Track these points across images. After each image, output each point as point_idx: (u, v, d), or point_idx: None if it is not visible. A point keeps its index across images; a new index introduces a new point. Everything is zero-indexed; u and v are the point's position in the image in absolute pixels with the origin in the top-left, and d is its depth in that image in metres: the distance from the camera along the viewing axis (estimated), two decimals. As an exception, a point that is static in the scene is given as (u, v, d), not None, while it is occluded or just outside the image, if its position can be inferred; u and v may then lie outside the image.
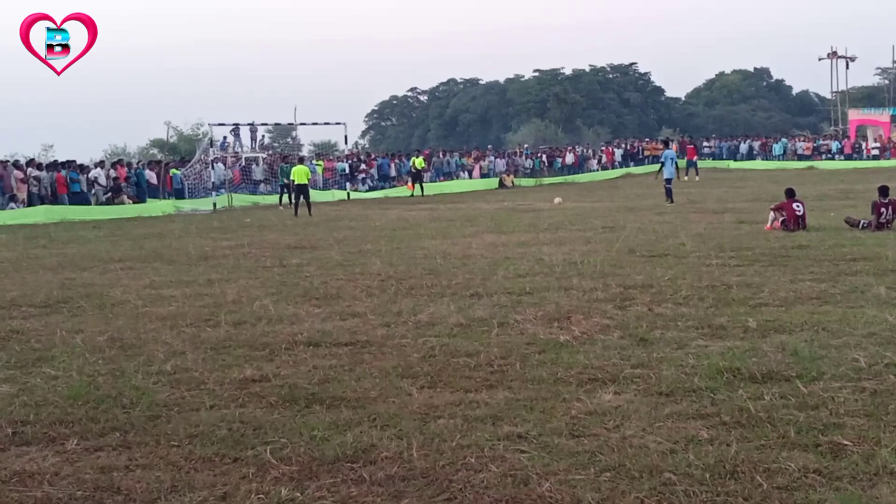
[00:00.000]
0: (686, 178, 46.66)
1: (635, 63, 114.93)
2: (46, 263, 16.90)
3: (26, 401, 7.13)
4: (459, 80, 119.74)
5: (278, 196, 37.28)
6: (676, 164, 31.07)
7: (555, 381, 7.25)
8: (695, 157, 51.65)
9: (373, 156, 55.27)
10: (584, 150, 63.82)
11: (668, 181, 29.75)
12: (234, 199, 38.56)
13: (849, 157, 61.93)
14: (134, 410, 6.80)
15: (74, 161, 36.29)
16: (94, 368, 8.16)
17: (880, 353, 7.65)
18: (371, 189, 46.22)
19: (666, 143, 37.08)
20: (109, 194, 35.08)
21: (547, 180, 52.37)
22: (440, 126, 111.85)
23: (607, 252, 15.54)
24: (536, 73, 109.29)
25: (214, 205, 36.00)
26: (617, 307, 10.35)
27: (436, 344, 8.69)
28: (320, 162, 47.16)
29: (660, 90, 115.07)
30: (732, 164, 61.95)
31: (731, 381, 7.00)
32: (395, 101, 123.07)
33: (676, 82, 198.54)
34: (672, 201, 28.60)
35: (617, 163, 62.39)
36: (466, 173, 53.10)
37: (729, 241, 16.78)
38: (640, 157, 65.02)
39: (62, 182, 33.50)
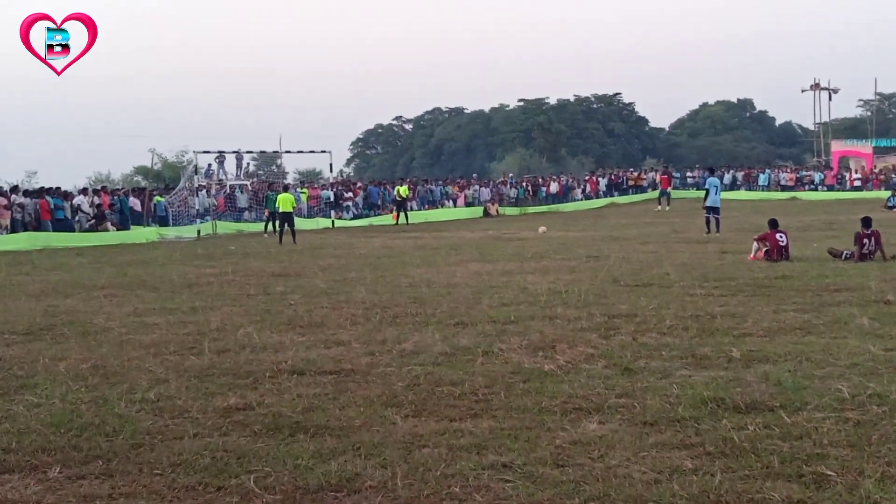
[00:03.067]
0: (659, 208, 46.87)
1: (619, 93, 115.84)
2: (29, 290, 16.82)
3: (8, 428, 7.08)
4: (444, 109, 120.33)
5: (263, 224, 37.26)
6: (716, 192, 28.76)
7: (539, 411, 7.24)
8: (668, 187, 51.67)
9: (358, 184, 55.32)
10: (569, 180, 64.03)
11: (709, 210, 28.08)
12: (219, 226, 38.49)
13: (831, 188, 62.31)
14: (117, 438, 6.76)
15: (59, 188, 36.20)
16: (76, 396, 8.11)
17: (863, 384, 7.67)
18: (356, 217, 46.26)
19: (711, 171, 34.97)
20: (93, 221, 34.97)
21: (531, 209, 52.53)
22: (425, 155, 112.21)
23: (592, 281, 15.56)
24: (521, 103, 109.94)
25: (198, 232, 35.92)
26: (601, 336, 10.36)
27: (420, 373, 8.68)
28: (305, 190, 47.22)
29: (644, 120, 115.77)
30: (716, 195, 62.06)
31: (715, 411, 7.01)
32: (380, 130, 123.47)
33: (660, 113, 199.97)
34: (709, 231, 27.37)
35: (601, 192, 62.58)
36: (451, 202, 53.21)
37: (713, 271, 16.85)
38: (625, 186, 65.32)
39: (46, 209, 33.38)
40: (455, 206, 52.52)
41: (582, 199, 59.70)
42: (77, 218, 35.16)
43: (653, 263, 18.53)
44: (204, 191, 41.89)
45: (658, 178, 64.52)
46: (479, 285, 15.67)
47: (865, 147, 68.72)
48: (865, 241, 18.04)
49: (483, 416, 7.19)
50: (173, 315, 13.09)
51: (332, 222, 41.63)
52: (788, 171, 68.54)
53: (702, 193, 60.55)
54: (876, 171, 64.10)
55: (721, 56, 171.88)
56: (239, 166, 51.71)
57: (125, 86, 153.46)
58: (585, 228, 34.13)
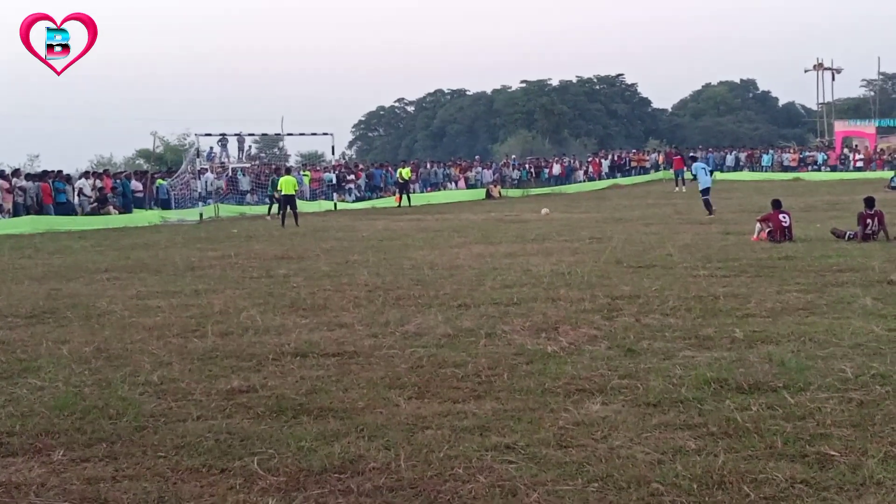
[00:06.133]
0: (677, 189, 46.76)
1: (622, 74, 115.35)
2: (32, 274, 16.84)
3: (12, 411, 7.10)
4: (446, 91, 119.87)
5: (267, 207, 37.26)
6: (706, 174, 28.79)
7: (542, 392, 7.25)
8: (682, 168, 51.58)
9: (360, 166, 55.24)
10: (571, 161, 63.84)
11: (703, 192, 28.18)
12: (221, 209, 38.47)
13: (834, 169, 62.15)
14: (120, 421, 6.77)
15: (61, 171, 36.16)
16: (80, 379, 8.13)
17: (867, 364, 7.67)
18: (358, 199, 46.21)
19: (694, 158, 35.39)
20: (95, 205, 34.96)
21: (534, 191, 52.41)
22: (427, 137, 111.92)
23: (594, 263, 15.55)
24: (523, 84, 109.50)
25: (201, 215, 35.92)
26: (604, 318, 10.36)
27: (423, 354, 8.69)
28: (307, 172, 47.14)
29: (646, 101, 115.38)
30: (719, 176, 61.90)
31: (718, 392, 7.01)
32: (382, 112, 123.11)
33: (663, 94, 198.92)
34: (711, 213, 27.27)
35: (604, 174, 62.42)
36: (453, 184, 53.13)
37: (716, 251, 16.84)
38: (627, 168, 65.15)
39: (48, 192, 33.35)
40: (457, 188, 52.43)
41: (584, 181, 59.50)
42: (79, 201, 35.16)
43: (656, 245, 18.51)
44: (210, 173, 41.83)
45: (660, 160, 64.69)
46: (481, 267, 15.67)
47: (869, 127, 68.44)
48: (869, 221, 18.02)
49: (486, 397, 7.20)
50: (176, 298, 13.10)
51: (335, 205, 41.57)
52: (791, 151, 68.30)
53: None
54: (879, 151, 63.90)
55: (724, 37, 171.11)
56: (241, 149, 51.66)
57: (126, 69, 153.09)
58: (588, 210, 34.06)
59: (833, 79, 76.79)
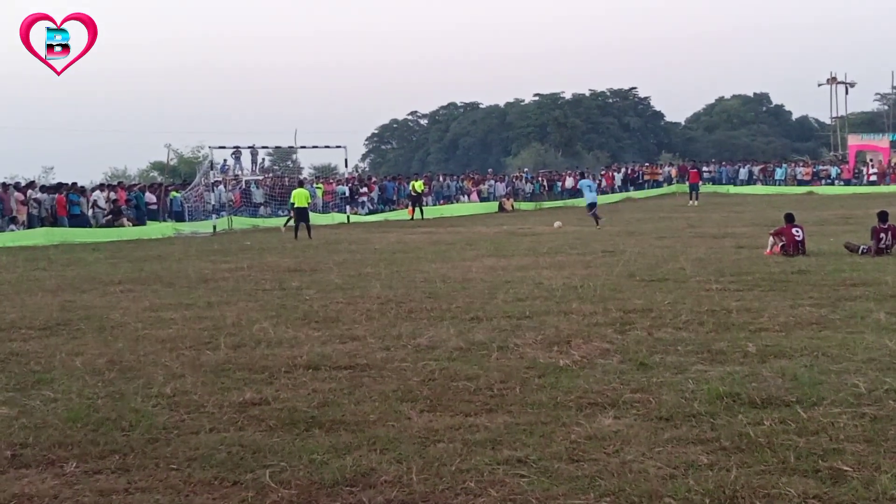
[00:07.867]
0: (691, 202, 46.67)
1: (635, 88, 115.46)
2: (46, 286, 16.89)
3: (25, 423, 7.13)
4: (459, 104, 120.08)
5: (285, 219, 37.35)
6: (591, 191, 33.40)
7: (554, 406, 7.24)
8: (698, 182, 51.54)
9: (373, 179, 55.32)
10: (585, 175, 63.77)
11: (589, 206, 31.89)
12: (234, 221, 38.56)
13: (848, 183, 61.95)
14: (133, 433, 6.79)
15: (75, 183, 36.32)
16: (93, 391, 8.16)
17: (880, 379, 7.65)
18: (371, 212, 46.25)
19: (583, 174, 39.24)
20: (109, 217, 35.10)
21: (547, 204, 52.44)
22: (440, 150, 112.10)
23: (607, 276, 15.54)
24: (536, 98, 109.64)
25: (214, 227, 36.01)
26: (617, 331, 10.35)
27: (435, 368, 8.69)
28: (320, 185, 47.24)
29: (659, 115, 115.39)
30: (732, 189, 62.00)
31: (730, 407, 7.00)
32: (395, 125, 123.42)
33: (676, 107, 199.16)
34: (598, 224, 30.52)
35: (617, 187, 62.38)
36: (466, 197, 53.13)
37: (729, 265, 16.80)
38: (640, 181, 65.08)
39: (62, 204, 33.52)
40: (470, 201, 52.42)
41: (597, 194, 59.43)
42: (93, 213, 35.29)
43: (668, 258, 18.48)
44: (221, 185, 41.94)
45: (673, 173, 64.67)
46: (494, 280, 15.67)
47: (882, 141, 68.12)
48: (882, 235, 17.97)
49: (498, 411, 7.19)
50: (189, 310, 13.14)
51: (348, 217, 41.60)
52: (805, 165, 68.16)
53: (718, 188, 61.12)
54: (893, 165, 63.66)
55: (737, 50, 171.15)
56: (254, 161, 51.81)
57: (141, 81, 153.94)
58: (601, 223, 34.01)
59: (846, 93, 76.63)
